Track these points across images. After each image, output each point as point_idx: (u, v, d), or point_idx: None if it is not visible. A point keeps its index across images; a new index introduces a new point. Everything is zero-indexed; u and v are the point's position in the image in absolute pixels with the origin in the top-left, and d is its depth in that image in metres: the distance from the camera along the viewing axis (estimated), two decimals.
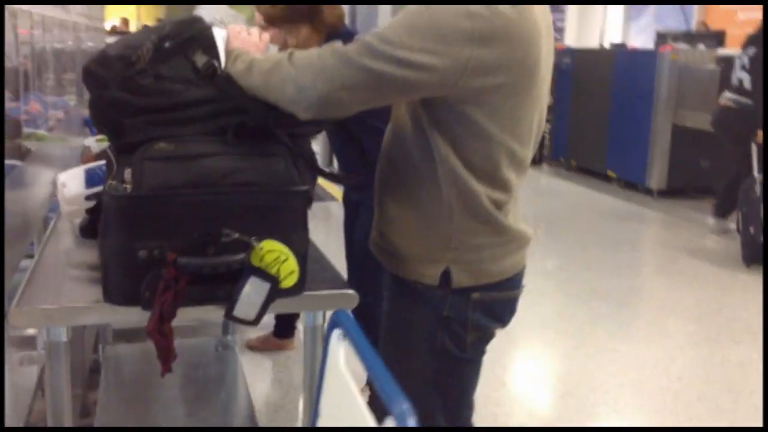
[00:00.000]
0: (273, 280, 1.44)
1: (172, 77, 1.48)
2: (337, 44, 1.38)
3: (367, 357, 1.13)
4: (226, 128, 1.45)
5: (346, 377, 1.22)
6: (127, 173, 1.40)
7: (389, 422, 0.98)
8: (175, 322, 3.55)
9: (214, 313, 1.45)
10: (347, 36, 1.92)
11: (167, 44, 1.52)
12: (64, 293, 1.51)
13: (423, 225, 1.53)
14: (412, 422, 0.96)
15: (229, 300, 1.43)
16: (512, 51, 1.36)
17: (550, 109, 8.95)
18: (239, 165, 1.42)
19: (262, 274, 1.43)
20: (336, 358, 1.28)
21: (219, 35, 1.54)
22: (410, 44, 1.33)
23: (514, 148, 1.47)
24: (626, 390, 3.26)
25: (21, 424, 1.74)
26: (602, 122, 8.10)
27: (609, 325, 4.06)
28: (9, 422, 1.58)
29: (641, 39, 12.87)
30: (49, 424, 1.55)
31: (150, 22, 19.07)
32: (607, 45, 10.60)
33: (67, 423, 1.55)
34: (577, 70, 8.65)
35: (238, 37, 1.58)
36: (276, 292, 1.45)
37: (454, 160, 1.45)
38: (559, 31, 16.58)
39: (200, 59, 1.50)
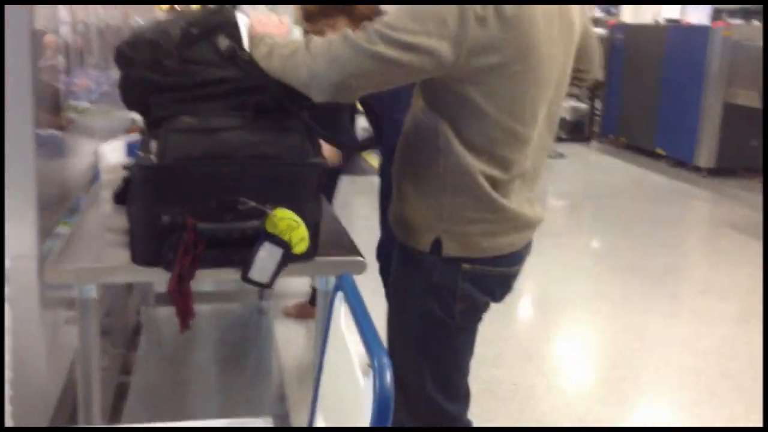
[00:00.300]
0: (286, 245, 1.53)
1: (197, 60, 1.58)
2: (348, 32, 1.46)
3: (359, 317, 1.22)
4: (246, 105, 1.54)
5: (344, 335, 1.32)
6: (153, 145, 1.51)
7: (369, 374, 1.07)
8: (212, 288, 3.71)
9: (230, 276, 1.55)
10: None
11: (194, 30, 1.62)
12: (97, 255, 1.64)
13: (420, 195, 1.61)
14: (388, 376, 1.05)
15: (244, 264, 1.54)
16: (504, 32, 1.41)
17: (600, 85, 8.89)
18: (256, 138, 1.52)
19: (276, 240, 1.53)
20: (338, 317, 1.38)
21: (242, 21, 1.63)
22: (413, 29, 1.40)
23: (514, 128, 1.53)
24: (650, 366, 3.30)
25: (61, 383, 1.89)
26: (653, 99, 8.00)
27: (640, 302, 4.08)
28: (49, 381, 1.70)
29: (700, 14, 12.56)
30: (79, 376, 1.69)
31: None
32: (662, 21, 10.38)
33: (95, 377, 1.69)
34: (629, 46, 8.53)
35: (260, 22, 1.67)
36: (288, 257, 1.54)
37: (451, 136, 1.52)
38: (615, 4, 16.26)
39: (223, 43, 1.60)
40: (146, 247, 1.53)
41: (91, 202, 2.05)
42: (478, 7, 1.40)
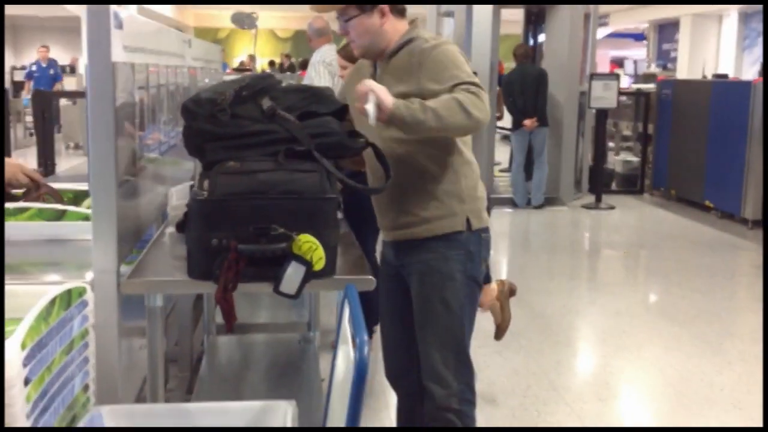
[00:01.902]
0: (308, 264, 1.92)
1: (244, 115, 2.01)
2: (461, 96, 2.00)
3: (354, 313, 1.60)
4: (278, 152, 1.97)
5: (346, 330, 1.69)
6: (206, 183, 1.94)
7: (350, 350, 1.44)
8: (267, 320, 4.13)
9: (264, 289, 1.95)
10: None
11: (244, 92, 2.06)
12: (162, 272, 2.06)
13: (441, 190, 2.21)
14: (366, 350, 1.41)
15: (275, 278, 1.93)
16: None
17: (649, 138, 9.13)
18: (285, 178, 1.93)
19: (300, 259, 1.92)
20: (344, 316, 1.75)
21: (371, 105, 1.96)
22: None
23: None
24: (669, 397, 3.55)
25: (132, 399, 2.28)
26: (700, 153, 8.20)
27: (667, 342, 4.33)
28: (123, 394, 2.10)
29: (754, 69, 12.68)
30: (148, 373, 2.10)
31: (275, 58, 20.32)
32: (712, 76, 10.58)
33: (161, 375, 2.09)
34: (677, 101, 8.77)
35: (381, 90, 2.01)
36: (310, 273, 1.93)
37: (459, 142, 2.21)
38: (672, 60, 16.44)
39: (266, 103, 2.03)
40: (199, 264, 1.95)
41: (159, 234, 2.49)
42: None
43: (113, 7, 1.89)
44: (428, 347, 2.27)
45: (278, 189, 1.93)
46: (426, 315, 2.26)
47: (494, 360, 3.98)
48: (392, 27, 2.20)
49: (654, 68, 15.15)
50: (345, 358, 1.61)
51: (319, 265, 1.93)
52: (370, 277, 2.05)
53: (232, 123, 2.01)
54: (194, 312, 3.73)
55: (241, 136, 2.00)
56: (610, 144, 10.50)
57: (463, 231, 2.22)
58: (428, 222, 2.23)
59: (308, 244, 1.92)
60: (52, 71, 13.79)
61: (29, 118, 13.00)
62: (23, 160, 9.89)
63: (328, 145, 2.04)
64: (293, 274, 1.93)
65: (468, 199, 2.24)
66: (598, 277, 6.30)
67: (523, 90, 8.07)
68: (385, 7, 2.18)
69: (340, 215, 2.17)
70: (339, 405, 1.67)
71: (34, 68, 13.98)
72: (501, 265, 6.16)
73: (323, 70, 4.52)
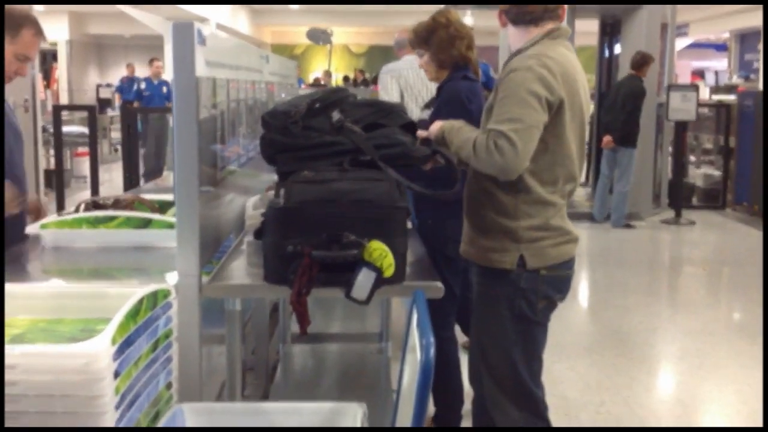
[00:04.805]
0: (378, 270, 1.98)
1: (315, 127, 2.10)
2: None
3: (421, 317, 1.65)
4: (345, 163, 2.05)
5: (414, 334, 1.74)
6: (282, 192, 2.03)
7: (417, 353, 1.49)
8: (340, 330, 4.24)
9: (336, 294, 2.01)
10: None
11: (317, 105, 2.16)
12: (240, 277, 2.16)
13: (496, 226, 2.18)
14: (431, 351, 1.46)
15: (347, 284, 2.00)
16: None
17: (732, 152, 8.89)
18: (356, 187, 2.00)
19: (371, 266, 1.98)
20: (412, 322, 1.80)
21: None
22: None
23: (572, 161, 2.16)
24: (745, 416, 3.46)
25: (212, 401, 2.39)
26: None
27: (746, 361, 4.25)
28: (202, 397, 2.20)
29: None
30: (227, 374, 2.19)
31: (349, 73, 20.64)
32: None
33: (238, 375, 2.19)
34: (759, 112, 8.52)
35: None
36: (381, 280, 1.99)
37: (527, 175, 2.10)
38: (754, 71, 15.92)
39: (336, 116, 2.13)
40: (275, 269, 2.03)
41: (237, 243, 2.60)
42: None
43: (197, 24, 2.00)
44: (486, 374, 2.30)
45: (350, 197, 2.00)
46: (479, 345, 2.31)
47: (567, 375, 3.96)
48: (514, 35, 2.23)
49: (736, 79, 14.73)
50: (412, 362, 1.66)
51: (389, 271, 1.99)
52: (438, 283, 2.09)
53: (302, 134, 2.11)
54: (270, 321, 3.84)
55: (309, 147, 2.09)
56: (691, 158, 10.26)
57: (512, 269, 2.16)
58: (483, 251, 2.23)
59: (379, 251, 1.98)
60: (165, 89, 11.52)
61: (114, 135, 13.52)
62: (108, 175, 10.33)
63: (393, 154, 2.12)
64: (364, 280, 2.00)
65: (526, 239, 2.15)
66: (677, 294, 6.16)
67: (613, 104, 7.79)
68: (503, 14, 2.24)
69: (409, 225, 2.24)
70: (406, 408, 1.72)
71: (143, 86, 11.88)
72: (577, 282, 6.09)
73: (389, 80, 4.62)
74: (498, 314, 2.21)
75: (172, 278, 2.09)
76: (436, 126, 2.17)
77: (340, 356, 3.90)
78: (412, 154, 2.14)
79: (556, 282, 2.22)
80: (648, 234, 8.10)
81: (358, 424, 1.79)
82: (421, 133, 2.23)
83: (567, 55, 2.13)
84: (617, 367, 4.17)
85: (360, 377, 3.61)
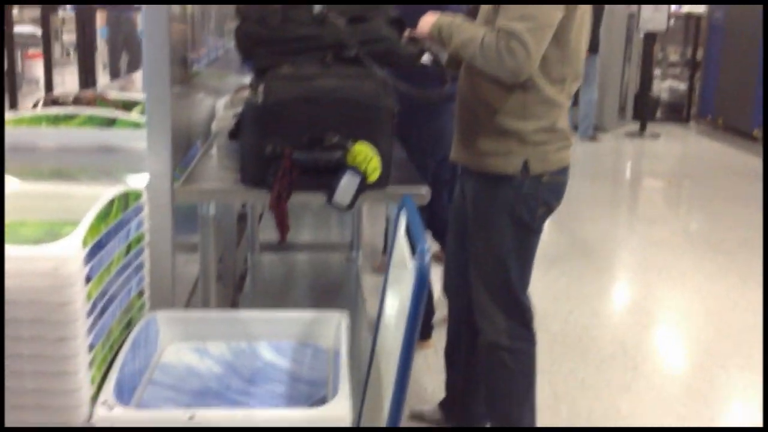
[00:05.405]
0: (362, 175, 1.88)
1: (295, 19, 1.95)
2: None
3: (413, 224, 1.56)
4: (328, 57, 1.91)
5: (402, 242, 1.66)
6: (260, 89, 1.89)
7: (412, 260, 1.41)
8: (309, 240, 4.13)
9: (318, 200, 1.91)
10: None
11: None
12: (214, 180, 2.04)
13: (501, 129, 2.05)
14: (427, 257, 1.38)
15: (329, 189, 1.89)
16: None
17: (698, 65, 8.85)
18: (340, 84, 1.87)
19: (354, 170, 1.88)
20: (400, 229, 1.72)
21: None
22: None
23: (579, 59, 2.05)
24: (711, 325, 3.51)
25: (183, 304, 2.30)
26: (750, 81, 7.93)
27: (711, 272, 4.29)
28: (174, 305, 2.11)
29: None
30: (201, 282, 2.10)
31: None
32: None
33: (212, 281, 2.09)
34: (729, 25, 8.45)
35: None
36: (365, 185, 1.89)
37: (537, 74, 1.97)
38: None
39: (317, 8, 1.97)
40: (253, 171, 1.92)
41: (206, 147, 2.46)
42: None
43: None
44: (477, 283, 2.22)
45: (333, 96, 1.87)
46: (474, 253, 2.21)
47: (534, 285, 3.95)
48: None
49: None
50: (398, 272, 1.58)
51: (374, 176, 1.89)
52: (424, 188, 2.00)
53: (280, 27, 1.95)
54: (238, 229, 3.74)
55: (289, 41, 1.94)
56: (657, 71, 10.21)
57: (515, 175, 2.07)
58: (482, 156, 2.11)
59: (363, 153, 1.87)
60: None
61: (67, 37, 12.91)
62: (60, 78, 9.91)
63: (378, 51, 1.98)
64: (347, 184, 1.89)
65: (533, 141, 2.05)
66: (641, 206, 6.20)
67: None
68: None
69: None
70: (394, 324, 1.65)
71: None
72: None
73: None
74: (496, 221, 2.12)
75: (140, 182, 1.96)
76: (428, 21, 2.02)
77: (310, 266, 3.82)
78: (399, 51, 2.00)
79: (556, 188, 2.15)
80: (613, 146, 8.11)
81: (343, 334, 1.72)
82: (409, 32, 2.08)
83: None
84: (584, 277, 4.18)
85: (331, 287, 3.56)
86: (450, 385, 2.57)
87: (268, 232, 3.87)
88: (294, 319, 1.86)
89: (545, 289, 3.94)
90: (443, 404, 2.62)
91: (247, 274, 3.74)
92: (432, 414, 2.63)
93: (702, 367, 3.19)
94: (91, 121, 2.36)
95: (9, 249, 1.31)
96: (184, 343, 1.79)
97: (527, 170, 2.06)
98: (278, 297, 3.46)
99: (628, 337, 3.45)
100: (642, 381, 3.04)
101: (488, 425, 2.44)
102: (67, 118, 2.36)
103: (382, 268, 4.06)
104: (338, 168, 1.88)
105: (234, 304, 3.49)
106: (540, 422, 2.39)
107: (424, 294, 1.38)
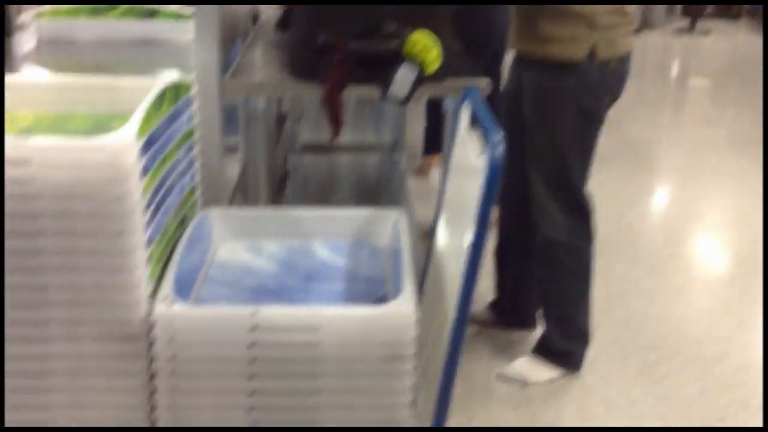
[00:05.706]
0: (420, 66, 1.78)
1: None
2: None
3: (482, 114, 1.47)
4: None
5: (465, 136, 1.57)
6: None
7: (480, 155, 1.32)
8: (351, 141, 4.01)
9: (373, 93, 1.81)
10: None
11: None
12: (262, 74, 1.95)
13: (571, 13, 1.94)
14: (500, 148, 1.29)
15: (384, 82, 1.79)
16: None
17: None
18: None
19: (412, 61, 1.77)
20: (463, 120, 1.63)
21: None
22: None
23: None
24: (759, 224, 3.42)
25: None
26: None
27: (757, 171, 4.18)
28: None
29: None
30: (250, 179, 2.04)
31: None
32: None
33: (263, 178, 2.03)
34: None
35: None
36: (423, 76, 1.79)
37: None
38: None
39: None
40: (304, 64, 1.82)
41: (250, 41, 2.35)
42: None
43: None
44: (536, 179, 2.14)
45: None
46: (534, 147, 2.13)
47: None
48: None
49: None
50: (461, 169, 1.50)
51: (433, 66, 1.78)
52: (485, 79, 1.89)
53: None
54: (276, 130, 3.66)
55: None
56: None
57: (582, 61, 1.97)
58: (547, 42, 2.00)
59: (422, 43, 1.76)
60: None
61: None
62: None
63: None
64: (403, 76, 1.79)
65: (602, 25, 1.95)
66: (689, 106, 5.99)
67: None
68: None
69: None
70: (458, 221, 1.58)
71: None
72: None
73: None
74: (559, 113, 2.04)
75: (185, 76, 1.88)
76: None
77: (351, 167, 3.75)
78: None
79: (620, 75, 2.07)
80: (661, 44, 7.81)
81: (402, 232, 1.66)
82: None
83: None
84: (634, 179, 4.07)
85: (374, 189, 3.49)
86: (500, 286, 2.53)
87: (307, 132, 3.79)
88: (348, 217, 1.80)
89: (595, 190, 3.83)
90: (493, 305, 2.59)
91: (287, 175, 3.69)
92: (481, 314, 2.60)
93: (757, 271, 3.10)
94: (131, 12, 2.26)
95: (62, 141, 1.25)
96: (238, 242, 1.74)
97: (593, 56, 1.97)
98: (320, 198, 3.41)
99: (681, 240, 3.36)
100: (697, 285, 2.97)
101: (539, 326, 2.40)
102: (106, 10, 2.26)
103: (423, 171, 4.00)
104: (395, 58, 1.77)
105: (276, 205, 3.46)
106: (594, 324, 2.34)
107: (496, 188, 1.30)
